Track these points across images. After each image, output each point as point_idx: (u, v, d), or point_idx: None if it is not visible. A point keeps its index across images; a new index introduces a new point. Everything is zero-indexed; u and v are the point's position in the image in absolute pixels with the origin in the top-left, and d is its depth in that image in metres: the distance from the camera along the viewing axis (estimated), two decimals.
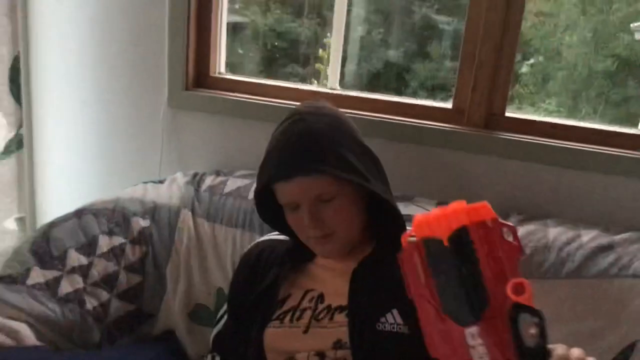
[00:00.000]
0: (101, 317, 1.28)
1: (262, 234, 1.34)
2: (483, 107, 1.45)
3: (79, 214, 1.37)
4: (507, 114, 1.45)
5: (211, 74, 1.65)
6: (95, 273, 1.29)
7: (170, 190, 1.47)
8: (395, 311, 1.03)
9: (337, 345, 1.04)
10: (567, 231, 1.27)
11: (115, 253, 1.33)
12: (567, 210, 1.36)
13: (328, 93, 1.58)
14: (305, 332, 1.08)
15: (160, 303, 1.37)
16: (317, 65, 2.14)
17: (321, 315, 1.08)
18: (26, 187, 1.55)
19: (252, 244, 1.28)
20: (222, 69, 1.69)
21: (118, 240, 1.35)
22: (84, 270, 1.28)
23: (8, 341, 1.11)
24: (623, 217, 1.32)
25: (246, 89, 1.63)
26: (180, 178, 1.52)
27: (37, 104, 1.62)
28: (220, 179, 1.49)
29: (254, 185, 1.18)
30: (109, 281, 1.31)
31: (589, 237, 1.25)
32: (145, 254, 1.37)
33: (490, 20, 1.39)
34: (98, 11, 1.62)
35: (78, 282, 1.26)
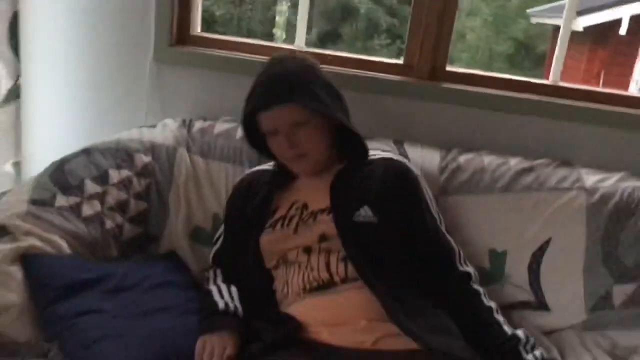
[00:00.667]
0: (117, 236, 1.48)
1: (250, 167, 1.58)
2: (428, 62, 1.76)
3: (86, 152, 1.54)
4: (448, 69, 1.77)
5: (191, 33, 1.86)
6: (110, 200, 1.48)
7: (164, 133, 1.67)
8: (366, 207, 1.31)
9: (322, 238, 1.31)
10: (498, 158, 1.61)
11: (125, 184, 1.53)
12: (497, 144, 1.69)
13: (296, 50, 1.83)
14: (295, 232, 1.34)
15: (164, 226, 1.58)
16: (275, 30, 2.36)
17: (306, 218, 1.35)
18: (22, 133, 1.70)
19: (243, 174, 1.53)
20: (199, 28, 1.90)
21: (125, 173, 1.54)
22: (100, 197, 1.47)
23: (51, 250, 1.30)
24: (540, 149, 1.68)
25: (223, 46, 1.85)
26: (171, 123, 1.72)
27: (30, 56, 1.76)
28: (208, 123, 1.71)
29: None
30: (121, 207, 1.51)
31: (515, 162, 1.60)
32: (149, 185, 1.57)
33: None
34: None
35: (97, 206, 1.45)
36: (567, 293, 1.51)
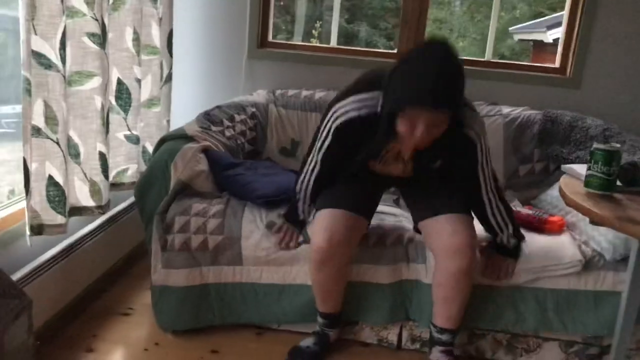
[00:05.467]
0: (242, 149, 2.67)
1: (311, 111, 2.78)
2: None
3: (218, 107, 2.73)
4: None
5: (268, 39, 3.08)
6: (237, 129, 2.68)
7: (259, 97, 2.89)
8: (439, 160, 1.85)
9: (404, 171, 1.91)
10: None
11: (243, 122, 2.73)
12: None
13: (333, 47, 3.06)
14: (390, 165, 1.90)
15: (264, 146, 2.79)
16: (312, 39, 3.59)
17: (399, 159, 1.88)
18: (171, 103, 2.88)
19: (346, 120, 1.78)
20: (271, 37, 3.11)
21: (242, 116, 2.74)
22: (232, 128, 2.66)
23: (215, 149, 2.47)
24: (479, 97, 2.87)
25: (287, 47, 3.07)
26: (262, 92, 2.93)
27: (176, 56, 2.94)
28: (284, 90, 2.91)
29: (309, 92, 2.69)
30: (243, 134, 2.70)
31: None
32: (256, 124, 2.78)
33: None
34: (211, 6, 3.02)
35: (231, 132, 2.64)
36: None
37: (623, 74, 2.84)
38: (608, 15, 2.80)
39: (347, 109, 1.77)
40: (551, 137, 2.65)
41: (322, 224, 1.92)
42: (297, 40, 4.68)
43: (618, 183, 1.55)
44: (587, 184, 1.55)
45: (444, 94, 1.51)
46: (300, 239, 2.11)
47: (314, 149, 1.95)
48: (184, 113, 2.92)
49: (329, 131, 1.85)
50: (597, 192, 1.52)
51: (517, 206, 2.39)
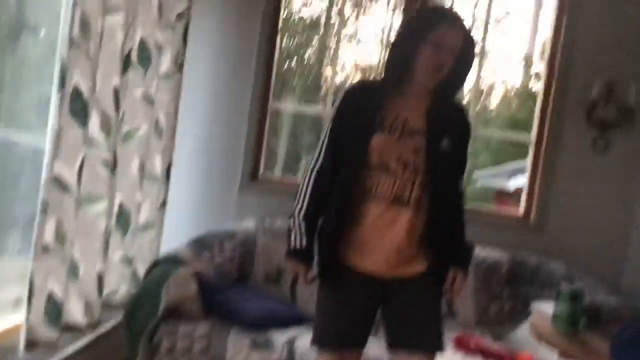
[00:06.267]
0: (230, 274, 2.80)
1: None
2: None
3: (209, 233, 2.90)
4: None
5: (259, 173, 3.33)
6: (227, 255, 2.83)
7: (248, 225, 3.07)
8: (446, 138, 1.73)
9: (415, 150, 1.72)
10: None
11: (232, 249, 2.88)
12: None
13: None
14: (397, 140, 1.72)
15: (251, 272, 2.92)
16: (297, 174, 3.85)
17: (407, 132, 1.73)
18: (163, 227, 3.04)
19: (351, 86, 1.90)
20: (262, 170, 3.36)
21: (232, 244, 2.90)
22: (221, 254, 2.81)
23: (205, 273, 2.60)
24: None
25: (278, 182, 3.31)
26: (252, 221, 3.11)
27: (172, 184, 3.13)
28: (272, 220, 3.10)
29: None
30: (231, 260, 2.85)
31: None
32: (244, 251, 2.93)
33: None
34: (206, 137, 3.28)
35: (221, 258, 2.79)
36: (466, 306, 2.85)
37: (584, 219, 3.12)
38: (569, 165, 3.12)
39: (354, 82, 1.96)
40: (519, 279, 2.86)
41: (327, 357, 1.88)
42: (277, 173, 5.01)
43: (582, 322, 1.72)
44: (554, 321, 1.72)
45: (457, 14, 1.76)
46: (313, 273, 1.93)
47: (318, 145, 1.88)
48: (175, 237, 3.07)
49: (335, 108, 1.84)
50: (564, 328, 1.69)
51: (488, 342, 2.53)
